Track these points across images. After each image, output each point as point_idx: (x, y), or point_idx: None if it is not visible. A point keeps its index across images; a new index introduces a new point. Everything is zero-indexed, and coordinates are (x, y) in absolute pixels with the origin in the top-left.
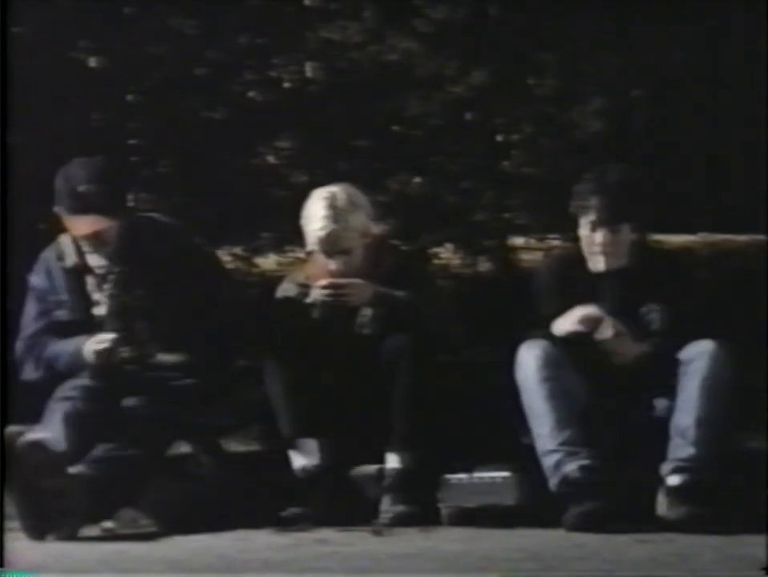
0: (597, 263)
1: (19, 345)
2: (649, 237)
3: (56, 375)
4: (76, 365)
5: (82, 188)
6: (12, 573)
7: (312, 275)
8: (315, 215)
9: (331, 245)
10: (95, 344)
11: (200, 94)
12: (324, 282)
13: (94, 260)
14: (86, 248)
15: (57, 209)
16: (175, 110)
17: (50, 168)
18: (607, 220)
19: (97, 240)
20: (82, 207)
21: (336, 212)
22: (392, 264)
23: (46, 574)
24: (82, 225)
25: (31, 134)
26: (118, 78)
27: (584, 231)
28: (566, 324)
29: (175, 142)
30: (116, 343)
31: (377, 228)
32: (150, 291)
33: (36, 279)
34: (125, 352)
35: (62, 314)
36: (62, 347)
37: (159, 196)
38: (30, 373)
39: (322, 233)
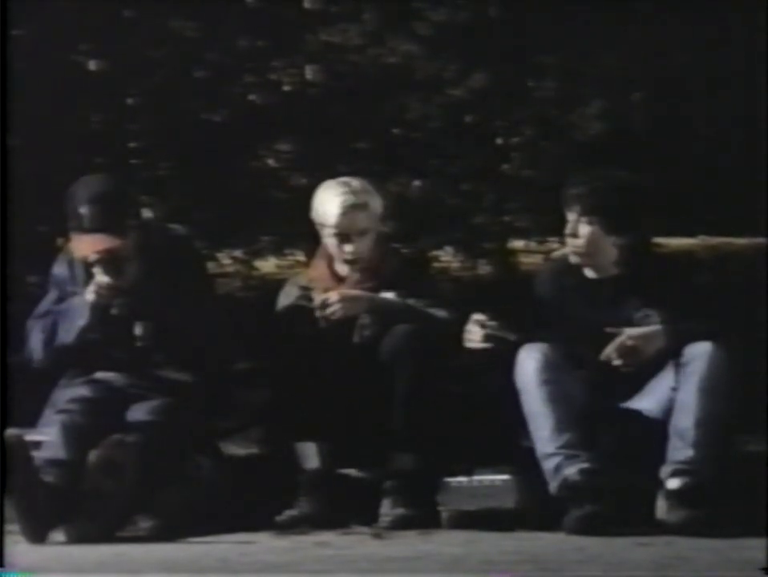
0: (585, 268)
1: (30, 323)
2: (650, 241)
3: (56, 352)
4: (77, 317)
5: (83, 209)
6: (12, 573)
7: (314, 278)
8: (331, 197)
9: (349, 222)
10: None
11: (200, 96)
12: (318, 301)
13: None
14: (95, 269)
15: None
16: (175, 112)
17: (50, 171)
18: (587, 225)
19: (104, 259)
20: (83, 226)
21: (353, 191)
22: (393, 266)
23: (45, 575)
24: (85, 245)
25: (31, 136)
26: (118, 80)
27: (567, 233)
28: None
29: (175, 144)
30: (110, 286)
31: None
32: (155, 295)
33: (57, 268)
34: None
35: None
36: (64, 307)
37: (159, 199)
38: (34, 345)
39: (341, 209)
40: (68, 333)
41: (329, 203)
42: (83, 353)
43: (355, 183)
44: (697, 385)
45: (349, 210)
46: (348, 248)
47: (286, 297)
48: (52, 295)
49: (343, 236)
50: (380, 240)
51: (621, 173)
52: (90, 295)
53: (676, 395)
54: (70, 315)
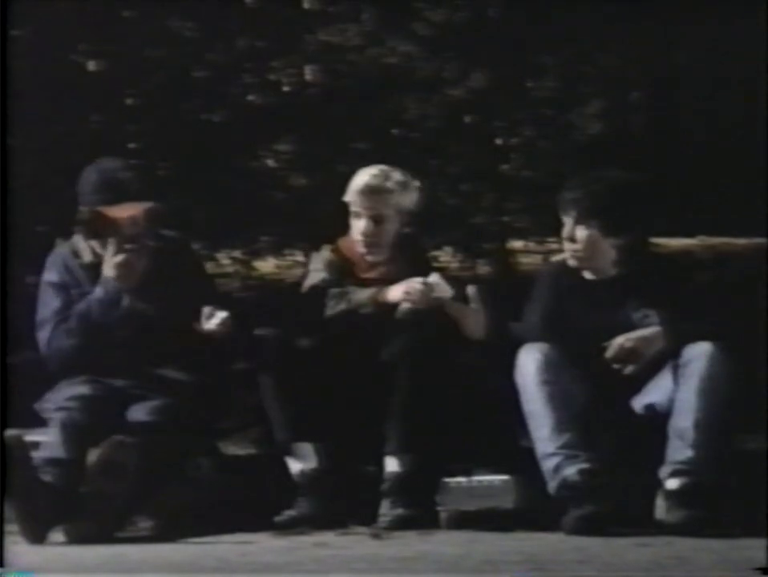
0: (583, 271)
1: (44, 334)
2: (648, 241)
3: (92, 329)
4: (110, 296)
5: (123, 175)
6: (12, 573)
7: (342, 247)
8: (360, 176)
9: (363, 203)
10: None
11: (199, 97)
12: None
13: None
14: (119, 230)
15: (86, 207)
16: (175, 113)
17: (50, 171)
18: (584, 229)
19: (132, 223)
20: (122, 194)
21: (380, 176)
22: (403, 267)
23: (45, 575)
24: (121, 211)
25: (31, 136)
26: (117, 81)
27: (564, 238)
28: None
29: (174, 145)
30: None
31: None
32: (154, 295)
33: (53, 275)
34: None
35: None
36: (90, 298)
37: (158, 199)
38: (62, 341)
39: (359, 188)
40: (106, 316)
41: (355, 180)
42: (119, 346)
43: (392, 172)
44: (697, 386)
45: (366, 190)
46: (359, 226)
47: (311, 278)
48: (55, 303)
49: (357, 215)
50: (401, 237)
51: (616, 173)
52: (110, 271)
53: (675, 395)
54: (101, 302)
